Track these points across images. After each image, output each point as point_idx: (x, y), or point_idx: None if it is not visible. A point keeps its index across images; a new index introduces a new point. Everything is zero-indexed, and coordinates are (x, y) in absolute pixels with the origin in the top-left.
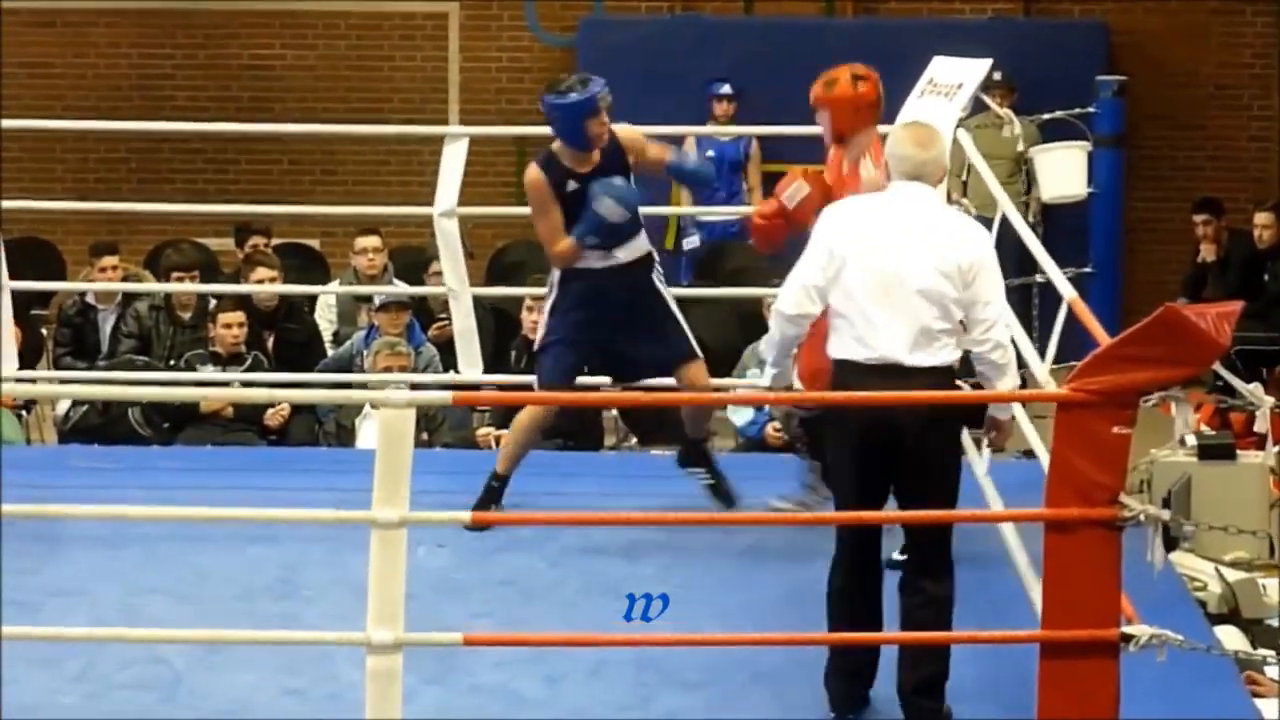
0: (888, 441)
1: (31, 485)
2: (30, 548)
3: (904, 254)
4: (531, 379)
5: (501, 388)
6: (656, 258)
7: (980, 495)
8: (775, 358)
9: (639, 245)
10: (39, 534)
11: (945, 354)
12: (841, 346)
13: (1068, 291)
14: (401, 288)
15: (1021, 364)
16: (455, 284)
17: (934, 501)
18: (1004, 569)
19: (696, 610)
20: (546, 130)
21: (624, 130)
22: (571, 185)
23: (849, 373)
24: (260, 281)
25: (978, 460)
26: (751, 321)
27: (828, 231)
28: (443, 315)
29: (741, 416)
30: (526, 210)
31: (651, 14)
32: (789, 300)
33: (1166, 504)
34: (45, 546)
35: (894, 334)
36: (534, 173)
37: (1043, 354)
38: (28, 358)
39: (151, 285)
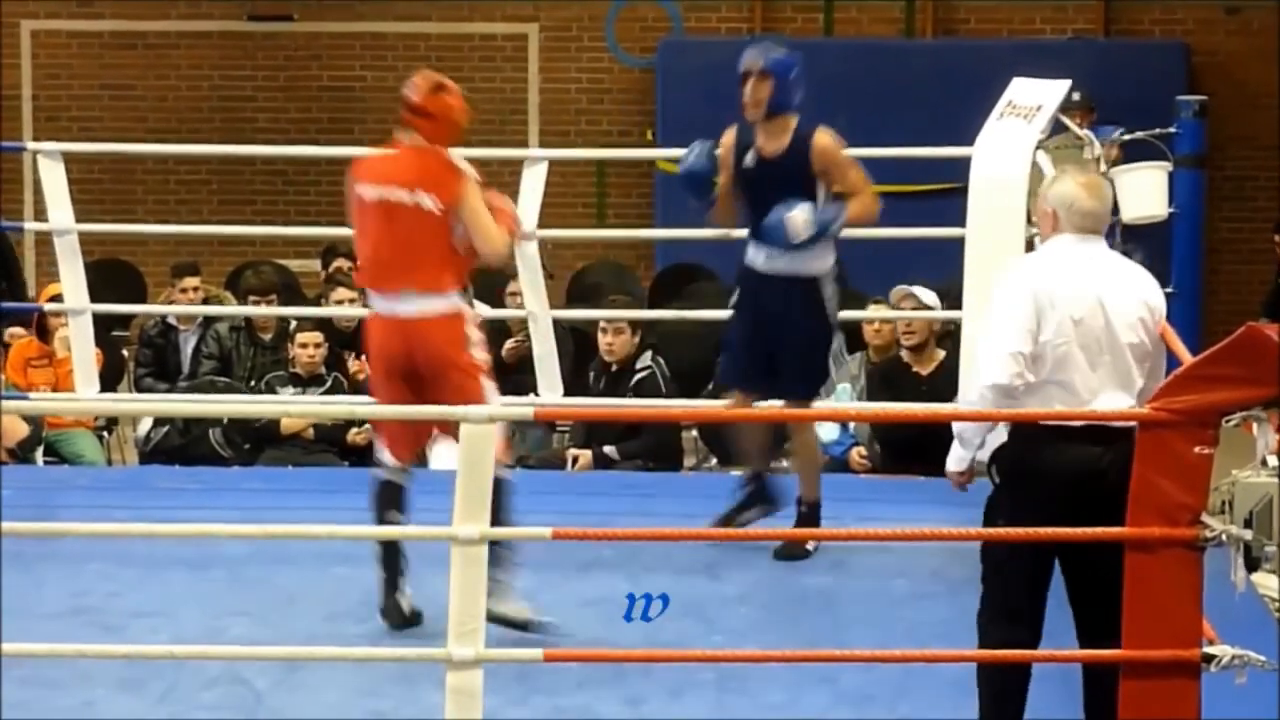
0: (1089, 501)
1: (113, 506)
2: (114, 570)
3: (1110, 311)
4: (612, 401)
5: None
6: (825, 286)
7: None
8: (971, 438)
9: (806, 264)
10: (122, 556)
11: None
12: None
13: None
14: (481, 310)
15: None
16: (535, 306)
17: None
18: None
19: (779, 630)
20: (626, 152)
21: (823, 139)
22: (748, 161)
23: (1058, 440)
24: (340, 303)
25: None
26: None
27: (1030, 291)
28: (519, 336)
29: (827, 433)
30: (606, 232)
31: (731, 35)
32: (1005, 370)
33: (1248, 524)
34: (129, 569)
35: (1107, 396)
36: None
37: None
38: (109, 379)
39: (231, 309)
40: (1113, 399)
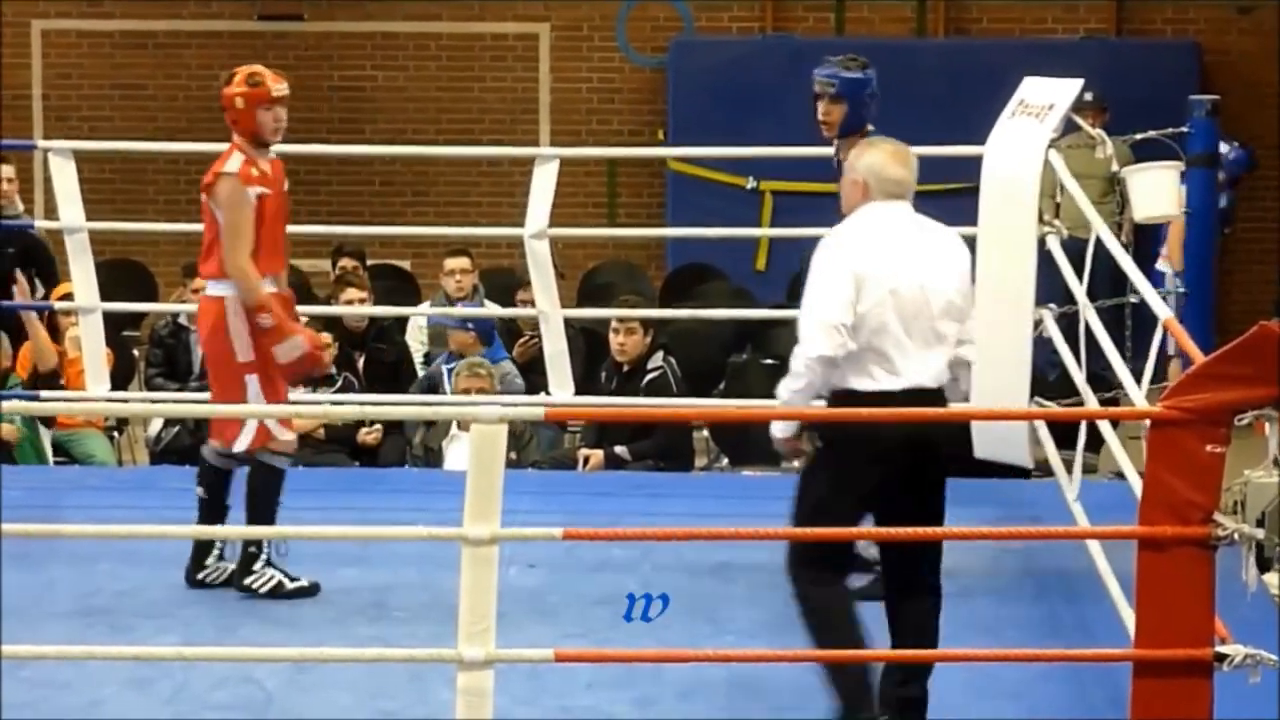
0: (914, 463)
1: (123, 506)
2: (124, 570)
3: (924, 276)
4: (624, 400)
5: None
6: None
7: (1069, 515)
8: (800, 405)
9: None
10: (132, 556)
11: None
12: (867, 380)
13: (1162, 312)
14: (493, 309)
15: (1115, 385)
16: (546, 306)
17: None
18: (1093, 589)
19: (790, 631)
20: (637, 151)
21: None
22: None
23: (879, 404)
24: (350, 303)
25: (1067, 482)
26: None
27: (847, 265)
28: (531, 333)
29: None
30: (617, 231)
31: (742, 34)
32: (828, 342)
33: (1260, 524)
34: (139, 569)
35: (923, 360)
36: None
37: (1137, 374)
38: (119, 379)
39: None
40: (926, 361)
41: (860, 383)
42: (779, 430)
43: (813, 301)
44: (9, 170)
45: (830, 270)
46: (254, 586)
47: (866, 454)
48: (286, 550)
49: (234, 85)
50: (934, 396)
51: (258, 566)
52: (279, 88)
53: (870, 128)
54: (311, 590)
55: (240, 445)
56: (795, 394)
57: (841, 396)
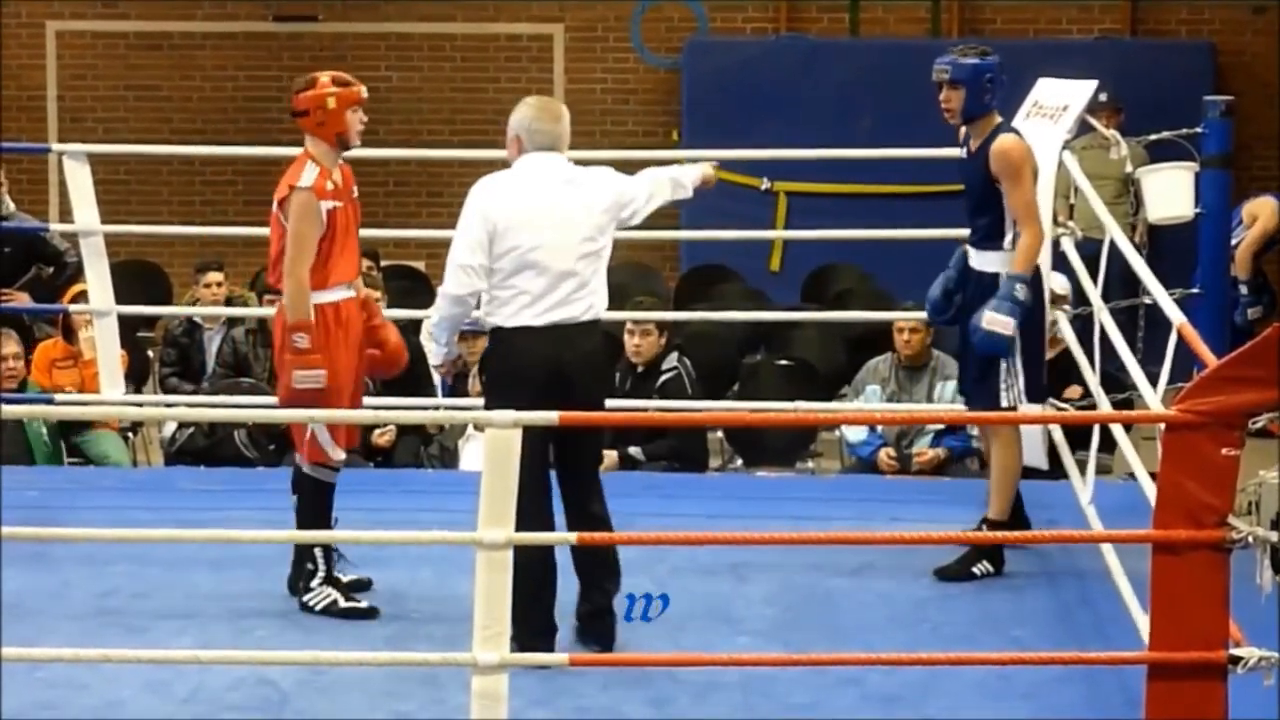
0: (561, 394)
1: (138, 507)
2: (140, 571)
3: (564, 217)
4: (638, 403)
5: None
6: (1002, 286)
7: (1083, 517)
8: (446, 338)
9: (989, 262)
10: (148, 557)
11: (601, 301)
12: (512, 315)
13: (1175, 314)
14: None
15: (1129, 386)
16: None
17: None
18: (1107, 591)
19: (805, 632)
20: (652, 153)
21: (998, 146)
22: (963, 155)
23: (524, 337)
24: None
25: (1081, 484)
26: (859, 343)
27: (482, 211)
28: None
29: (855, 434)
30: (631, 233)
31: (757, 35)
32: (456, 282)
33: (1275, 526)
34: (155, 570)
35: (564, 296)
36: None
37: (1153, 377)
38: (134, 379)
39: (251, 310)
40: (568, 297)
41: (506, 319)
42: (435, 359)
43: (453, 245)
44: None
45: (469, 216)
46: (311, 604)
47: (517, 382)
48: (341, 557)
49: (320, 88)
50: (581, 330)
51: (315, 583)
52: (364, 90)
53: (998, 117)
54: (370, 613)
55: (300, 457)
56: (435, 326)
57: (494, 332)
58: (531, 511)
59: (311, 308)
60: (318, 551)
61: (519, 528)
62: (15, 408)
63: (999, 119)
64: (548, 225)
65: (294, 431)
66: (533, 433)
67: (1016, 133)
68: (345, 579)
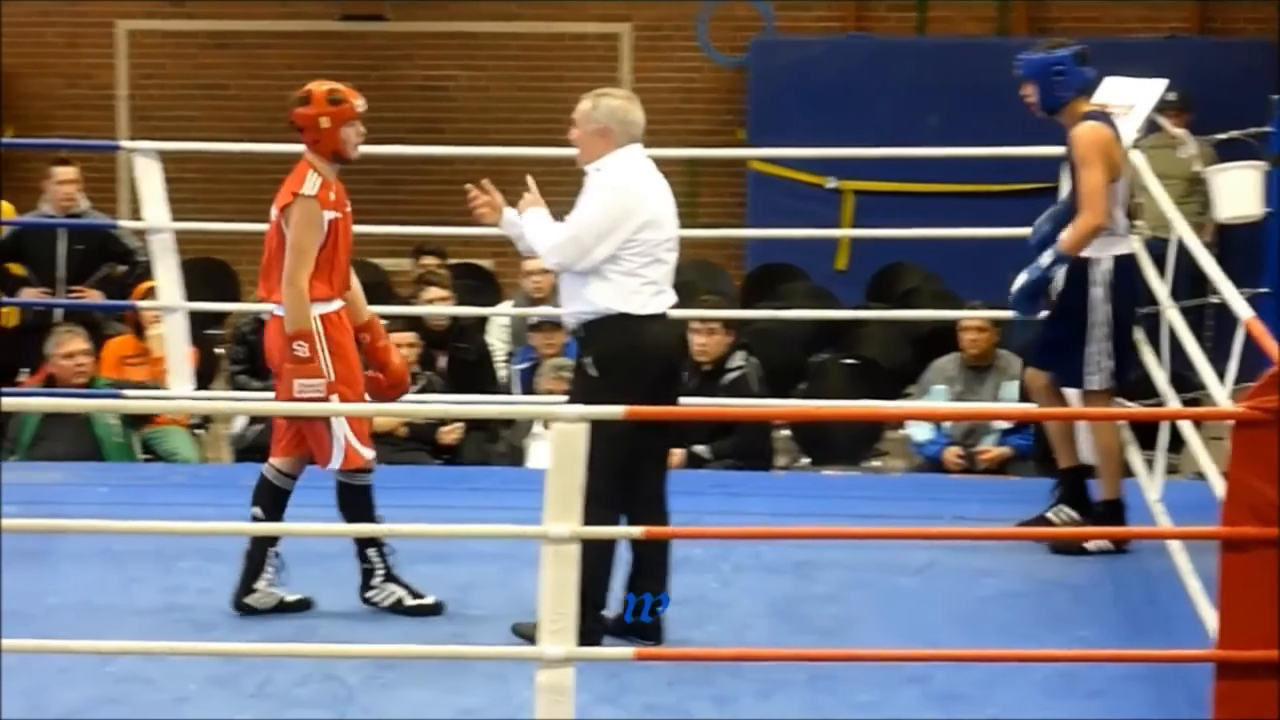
0: (673, 379)
1: (206, 504)
2: (207, 567)
3: (670, 212)
4: (703, 400)
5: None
6: (1094, 271)
7: (1151, 515)
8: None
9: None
10: (215, 553)
11: None
12: (643, 303)
13: (1244, 312)
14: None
15: (1196, 386)
16: None
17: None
18: (1175, 589)
19: (870, 630)
20: (717, 151)
21: (1076, 132)
22: None
23: (654, 324)
24: (431, 302)
25: (1149, 482)
26: (924, 342)
27: (627, 207)
28: None
29: (921, 433)
30: (696, 231)
31: (824, 34)
32: (566, 257)
33: None
34: (222, 565)
35: (668, 284)
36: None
37: (1220, 375)
38: (203, 376)
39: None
40: (669, 290)
41: (638, 307)
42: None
43: (581, 223)
44: (72, 171)
45: (612, 207)
46: (376, 600)
47: (642, 365)
48: (393, 551)
49: (314, 105)
50: (674, 320)
51: (376, 581)
52: (360, 102)
53: (1086, 106)
54: (436, 608)
55: (334, 464)
56: (524, 239)
57: (618, 319)
58: (613, 502)
59: (313, 316)
60: (370, 552)
61: (594, 517)
62: (80, 401)
63: (1087, 108)
64: (666, 220)
65: (278, 437)
66: (626, 425)
67: (1105, 121)
68: (289, 599)
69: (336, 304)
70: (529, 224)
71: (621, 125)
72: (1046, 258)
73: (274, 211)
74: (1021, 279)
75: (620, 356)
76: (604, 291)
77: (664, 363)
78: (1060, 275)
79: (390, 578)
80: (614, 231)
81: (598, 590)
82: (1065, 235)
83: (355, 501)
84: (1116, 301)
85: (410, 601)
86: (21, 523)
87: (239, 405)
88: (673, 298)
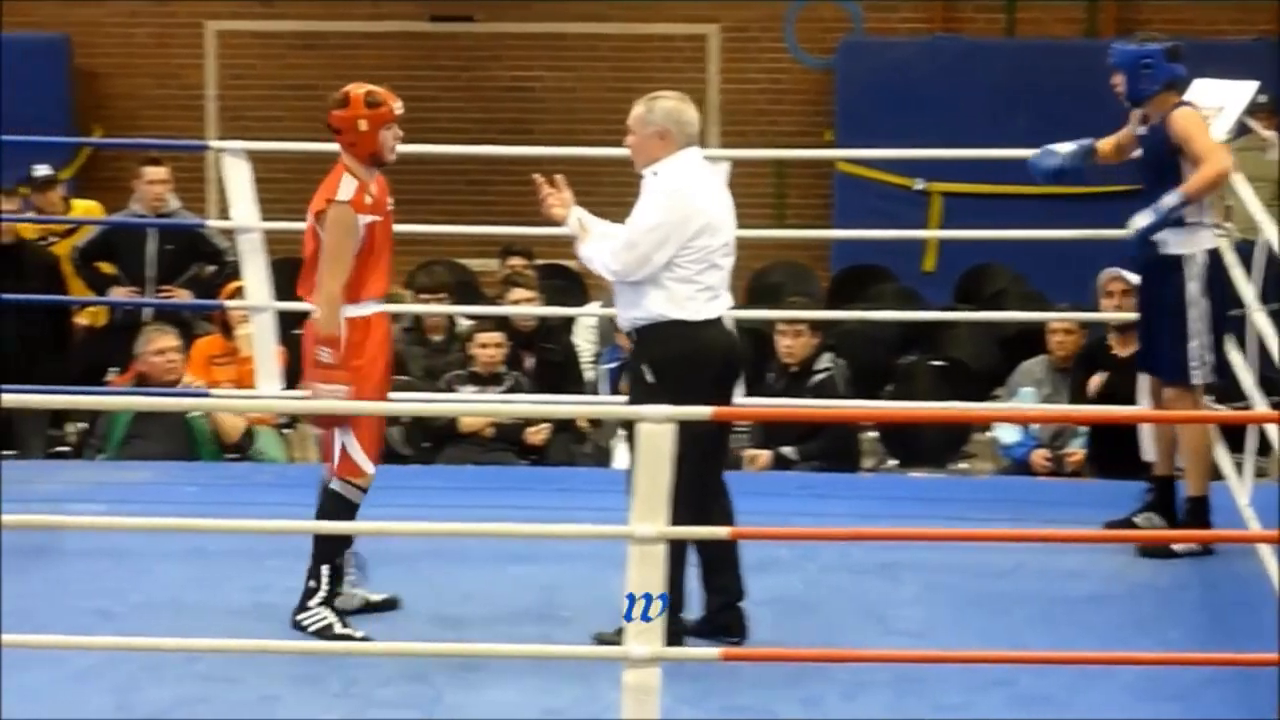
0: (731, 383)
1: (293, 504)
2: (293, 566)
3: (728, 216)
4: (791, 401)
5: None
6: (1188, 267)
7: (1241, 519)
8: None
9: (1166, 245)
10: (301, 552)
11: None
12: (699, 309)
13: None
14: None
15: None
16: None
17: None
18: (1263, 593)
19: (956, 631)
20: (805, 152)
21: (1174, 116)
22: (1142, 130)
23: (709, 329)
24: (518, 302)
25: (1239, 485)
26: (1012, 344)
27: (685, 213)
28: None
29: (1008, 435)
30: (783, 233)
31: (912, 35)
32: (626, 268)
33: None
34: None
35: (724, 288)
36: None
37: None
38: (291, 377)
39: (407, 307)
40: (726, 294)
41: (694, 313)
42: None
43: (639, 230)
44: (163, 171)
45: (669, 213)
46: (304, 624)
47: (700, 370)
48: (360, 571)
49: (352, 108)
50: (728, 325)
51: (313, 603)
52: (398, 105)
53: (1176, 97)
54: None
55: (331, 468)
56: (584, 254)
57: (674, 325)
58: (699, 503)
59: (341, 323)
60: (324, 570)
61: (684, 518)
62: (162, 400)
63: (1177, 99)
64: (724, 224)
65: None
66: (706, 426)
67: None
68: (374, 598)
69: (373, 307)
70: (594, 234)
71: (679, 126)
72: (1171, 199)
73: (310, 216)
74: (1144, 220)
75: (675, 362)
76: (659, 298)
77: (720, 366)
78: (1156, 275)
79: (328, 603)
80: (672, 238)
81: (674, 592)
82: (1191, 180)
83: (335, 513)
84: (1212, 295)
85: (339, 630)
86: (109, 520)
87: (304, 405)
88: (729, 301)
